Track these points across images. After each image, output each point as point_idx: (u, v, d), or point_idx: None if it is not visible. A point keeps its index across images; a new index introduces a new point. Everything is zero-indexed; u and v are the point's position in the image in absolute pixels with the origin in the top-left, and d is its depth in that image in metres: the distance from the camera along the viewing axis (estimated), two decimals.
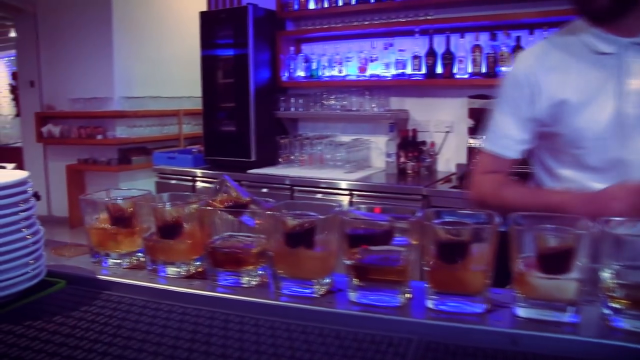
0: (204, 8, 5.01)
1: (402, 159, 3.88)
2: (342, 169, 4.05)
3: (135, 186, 6.10)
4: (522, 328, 0.91)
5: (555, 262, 0.92)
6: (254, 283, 1.12)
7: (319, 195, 3.76)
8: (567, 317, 0.92)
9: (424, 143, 3.97)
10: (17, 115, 9.01)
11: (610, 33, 1.37)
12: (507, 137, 1.50)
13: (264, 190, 3.92)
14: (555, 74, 1.43)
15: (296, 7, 4.34)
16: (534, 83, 1.45)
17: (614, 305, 0.91)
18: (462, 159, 3.79)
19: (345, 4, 4.10)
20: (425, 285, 1.00)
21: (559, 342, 0.88)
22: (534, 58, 1.48)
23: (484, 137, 1.56)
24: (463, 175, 3.64)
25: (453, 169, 3.93)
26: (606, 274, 0.92)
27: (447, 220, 1.01)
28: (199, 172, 4.31)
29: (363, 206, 1.09)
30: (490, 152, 1.54)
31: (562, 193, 1.41)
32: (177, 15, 6.92)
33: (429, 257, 0.98)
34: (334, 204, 1.10)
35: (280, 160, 4.36)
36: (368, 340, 0.88)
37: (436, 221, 1.00)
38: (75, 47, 6.61)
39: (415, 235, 1.00)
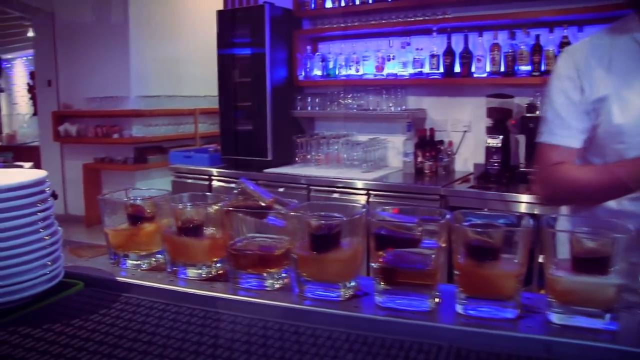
0: (220, 7, 5.00)
1: (420, 159, 3.84)
2: (359, 168, 4.02)
3: (152, 185, 6.13)
4: (556, 335, 0.87)
5: (591, 264, 0.88)
6: (277, 286, 1.09)
7: (336, 195, 3.73)
8: (604, 324, 0.88)
9: (441, 142, 3.93)
10: (35, 114, 9.11)
11: None
12: (567, 127, 1.48)
13: (281, 189, 3.89)
14: (599, 70, 1.42)
15: (313, 5, 4.32)
16: (580, 77, 1.44)
17: None
18: (480, 158, 3.74)
19: (362, 2, 4.07)
20: (455, 289, 0.97)
21: (595, 350, 0.84)
22: (580, 53, 1.47)
23: (543, 131, 1.53)
24: (480, 175, 3.60)
25: (471, 169, 3.89)
26: None
27: (477, 222, 0.97)
28: (215, 171, 4.29)
29: (388, 207, 1.06)
30: (552, 145, 1.51)
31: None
32: (193, 14, 6.93)
33: (459, 260, 0.95)
34: (358, 205, 1.06)
35: (296, 159, 4.34)
36: (397, 346, 0.85)
37: (466, 223, 0.96)
38: (92, 46, 6.66)
39: (444, 238, 0.97)
